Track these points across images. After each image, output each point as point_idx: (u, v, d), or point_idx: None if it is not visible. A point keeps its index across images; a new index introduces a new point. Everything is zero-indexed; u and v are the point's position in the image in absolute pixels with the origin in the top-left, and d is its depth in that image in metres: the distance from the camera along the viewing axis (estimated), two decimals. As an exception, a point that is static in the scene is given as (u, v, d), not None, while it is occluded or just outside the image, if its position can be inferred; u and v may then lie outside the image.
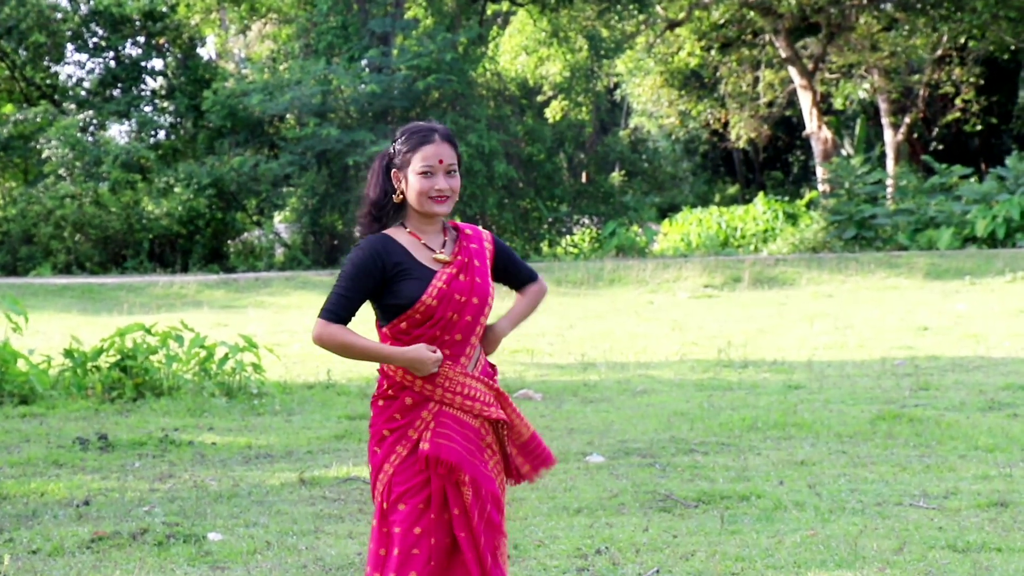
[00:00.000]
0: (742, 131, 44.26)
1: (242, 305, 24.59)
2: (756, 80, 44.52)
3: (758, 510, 7.86)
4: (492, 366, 4.72)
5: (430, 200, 4.53)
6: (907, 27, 40.94)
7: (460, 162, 4.62)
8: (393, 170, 4.60)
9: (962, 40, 41.24)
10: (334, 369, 14.68)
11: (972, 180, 35.98)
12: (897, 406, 11.64)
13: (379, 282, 4.49)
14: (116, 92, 37.08)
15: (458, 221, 4.78)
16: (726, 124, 45.78)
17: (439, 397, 4.52)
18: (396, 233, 4.58)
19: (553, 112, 39.23)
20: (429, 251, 4.57)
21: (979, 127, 43.76)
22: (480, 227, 4.75)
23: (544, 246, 36.60)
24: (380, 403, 4.60)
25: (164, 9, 36.69)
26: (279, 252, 35.31)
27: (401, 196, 4.58)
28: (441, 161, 4.54)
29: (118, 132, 38.03)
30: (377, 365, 4.61)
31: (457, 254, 4.58)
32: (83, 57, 37.78)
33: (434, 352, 4.48)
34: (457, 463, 4.48)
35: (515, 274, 4.81)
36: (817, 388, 13.15)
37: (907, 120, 42.71)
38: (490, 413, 4.57)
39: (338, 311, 4.50)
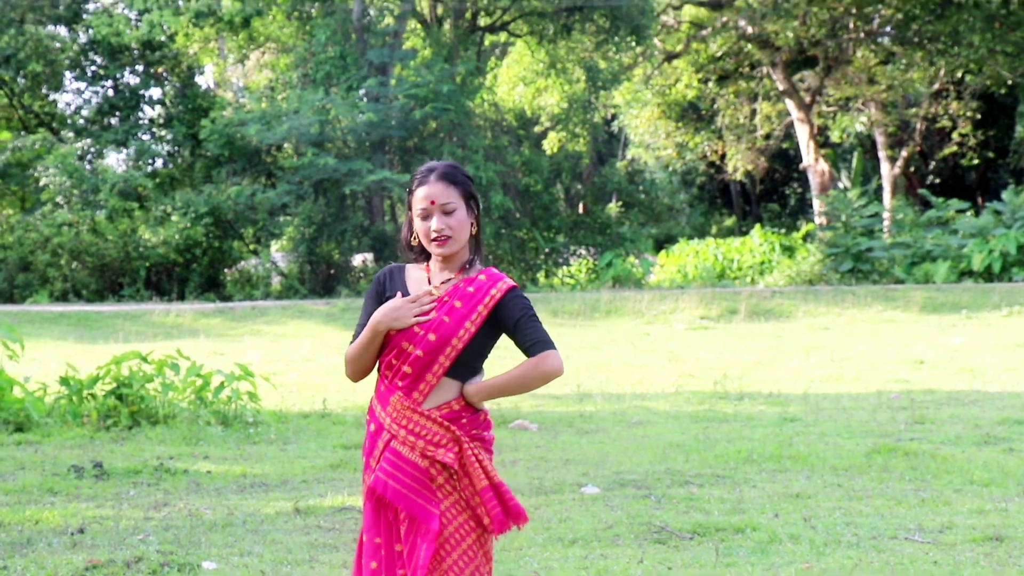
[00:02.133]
0: (739, 163, 44.37)
1: (239, 334, 24.58)
2: (753, 112, 44.65)
3: (753, 543, 7.85)
4: (474, 412, 4.50)
5: (432, 242, 4.53)
6: (904, 61, 41.09)
7: (469, 197, 4.57)
8: (408, 212, 4.62)
9: (959, 74, 41.39)
10: (330, 398, 14.65)
11: (969, 214, 36.08)
12: (893, 440, 11.63)
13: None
14: (114, 120, 37.14)
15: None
16: (723, 156, 45.90)
17: (387, 426, 4.48)
18: (413, 266, 4.63)
19: (550, 143, 39.30)
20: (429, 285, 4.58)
21: (976, 161, 43.90)
22: (506, 277, 4.56)
23: (541, 277, 36.61)
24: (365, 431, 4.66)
25: (162, 38, 36.76)
26: (276, 281, 35.29)
27: (417, 238, 4.59)
28: (433, 202, 4.50)
29: (116, 160, 38.06)
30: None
31: (447, 291, 4.52)
32: (81, 85, 37.86)
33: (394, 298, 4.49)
34: (393, 499, 4.42)
35: (518, 338, 4.48)
36: (813, 421, 13.14)
37: (904, 153, 42.82)
38: (435, 454, 4.42)
39: (355, 339, 4.57)
